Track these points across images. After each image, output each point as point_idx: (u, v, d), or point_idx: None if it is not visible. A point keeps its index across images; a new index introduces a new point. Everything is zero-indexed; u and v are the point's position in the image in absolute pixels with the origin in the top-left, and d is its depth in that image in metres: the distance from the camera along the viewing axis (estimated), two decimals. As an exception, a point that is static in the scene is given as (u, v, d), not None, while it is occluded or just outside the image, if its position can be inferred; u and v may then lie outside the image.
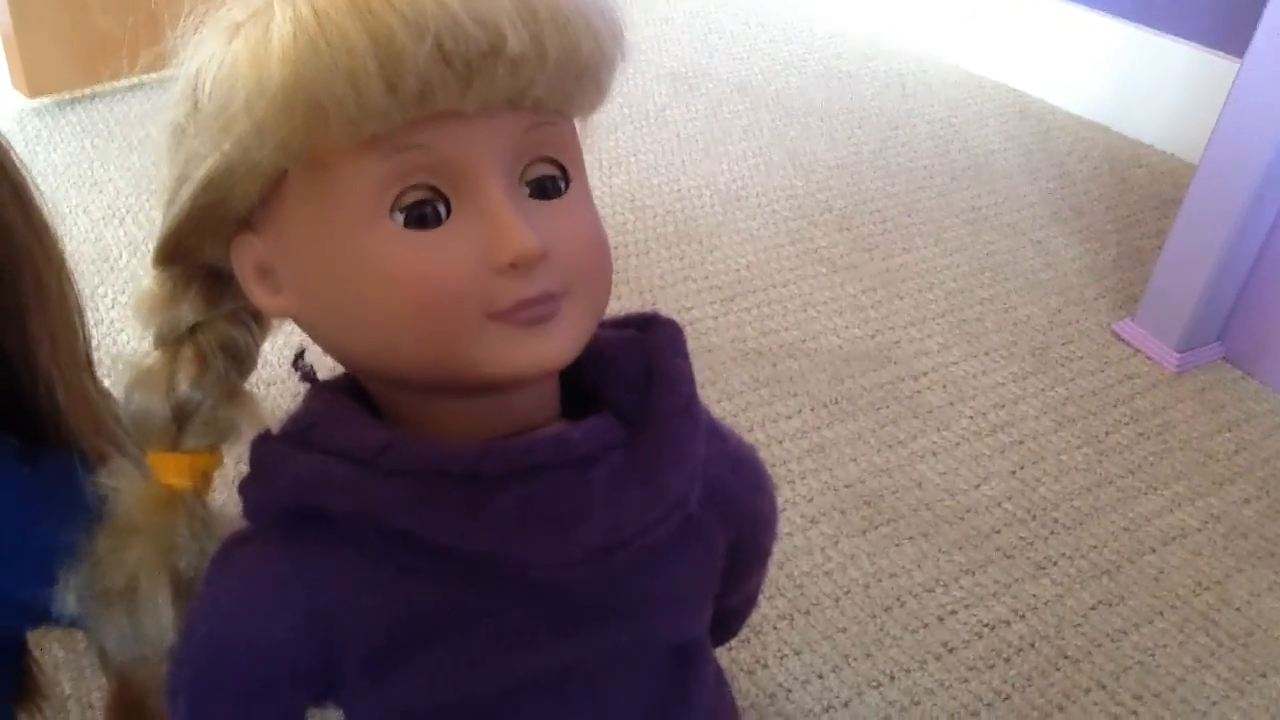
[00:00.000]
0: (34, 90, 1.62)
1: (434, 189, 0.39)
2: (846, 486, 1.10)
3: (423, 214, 0.39)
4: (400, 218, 0.39)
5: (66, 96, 1.66)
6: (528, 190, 0.41)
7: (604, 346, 0.46)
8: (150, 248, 0.46)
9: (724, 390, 1.21)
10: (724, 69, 1.95)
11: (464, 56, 0.36)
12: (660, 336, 0.48)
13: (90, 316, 0.63)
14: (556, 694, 0.47)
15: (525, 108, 0.40)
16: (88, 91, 1.67)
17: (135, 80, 1.67)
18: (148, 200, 1.44)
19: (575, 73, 0.40)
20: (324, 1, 0.37)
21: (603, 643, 0.47)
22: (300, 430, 0.45)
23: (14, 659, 0.66)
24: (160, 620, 0.47)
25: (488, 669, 0.45)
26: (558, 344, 0.41)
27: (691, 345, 0.48)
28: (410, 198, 0.39)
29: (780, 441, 1.15)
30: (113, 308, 1.25)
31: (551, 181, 0.42)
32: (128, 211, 1.43)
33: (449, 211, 0.39)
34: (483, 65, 0.37)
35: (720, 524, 0.51)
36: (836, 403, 1.21)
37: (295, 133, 0.38)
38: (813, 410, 1.20)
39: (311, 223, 0.40)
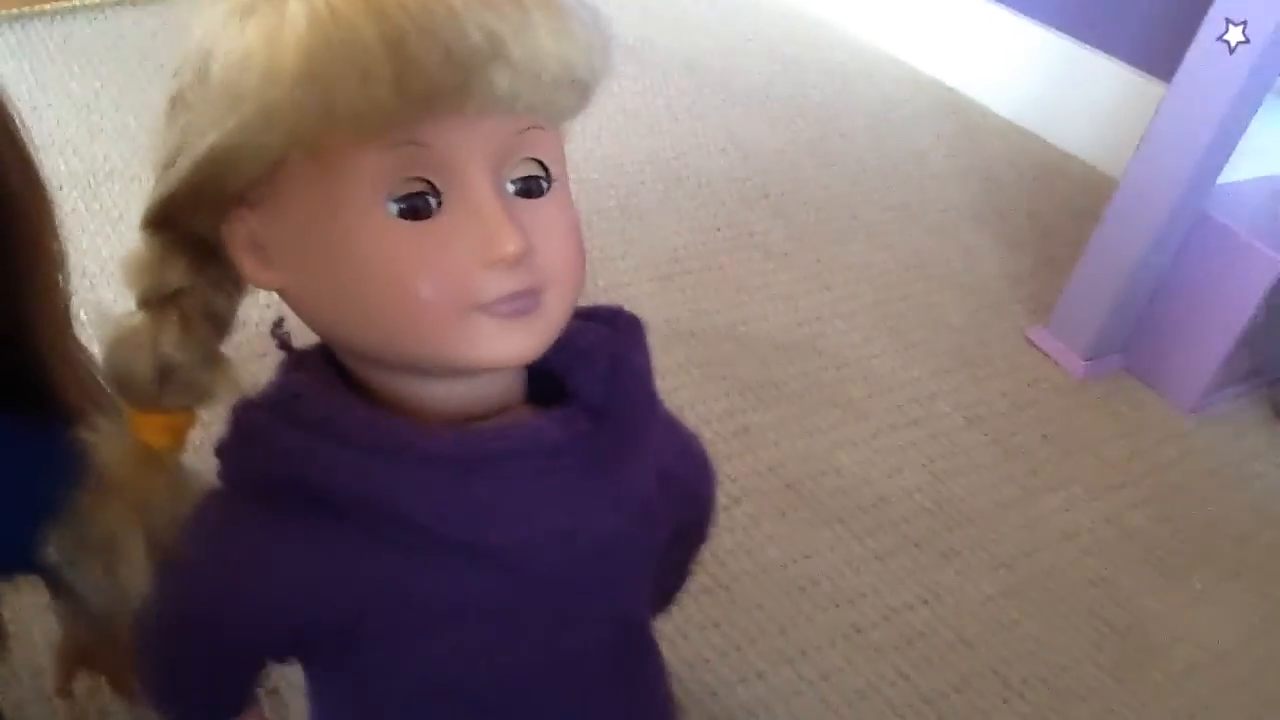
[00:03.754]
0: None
1: (428, 183, 0.41)
2: (770, 470, 1.15)
3: (416, 206, 0.41)
4: (395, 208, 0.41)
5: (3, 13, 1.61)
6: (514, 189, 0.44)
7: (573, 336, 0.49)
8: (140, 209, 0.47)
9: (656, 369, 1.24)
10: (671, 43, 1.97)
11: (468, 63, 0.38)
12: (628, 335, 0.52)
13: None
14: (517, 668, 0.50)
15: (518, 112, 0.42)
16: (25, 10, 1.63)
17: (75, 3, 1.63)
18: (86, 129, 1.42)
19: (567, 83, 0.43)
20: None
21: (560, 619, 0.51)
22: (285, 402, 0.47)
23: None
24: (136, 574, 0.49)
25: (454, 640, 0.48)
26: (537, 336, 0.44)
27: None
28: (405, 190, 0.41)
29: (708, 423, 1.19)
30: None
31: (536, 182, 0.44)
32: (67, 141, 1.40)
33: (440, 205, 0.42)
34: (485, 72, 0.39)
35: (669, 508, 0.54)
36: (763, 387, 1.26)
37: (303, 122, 0.39)
38: (740, 394, 1.24)
39: (308, 205, 0.42)
